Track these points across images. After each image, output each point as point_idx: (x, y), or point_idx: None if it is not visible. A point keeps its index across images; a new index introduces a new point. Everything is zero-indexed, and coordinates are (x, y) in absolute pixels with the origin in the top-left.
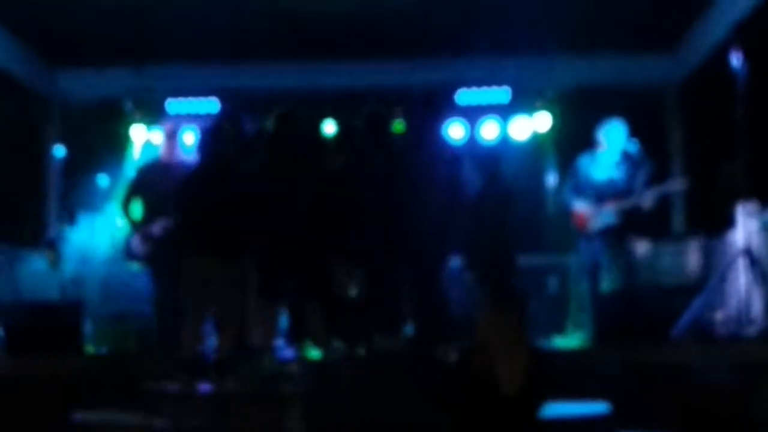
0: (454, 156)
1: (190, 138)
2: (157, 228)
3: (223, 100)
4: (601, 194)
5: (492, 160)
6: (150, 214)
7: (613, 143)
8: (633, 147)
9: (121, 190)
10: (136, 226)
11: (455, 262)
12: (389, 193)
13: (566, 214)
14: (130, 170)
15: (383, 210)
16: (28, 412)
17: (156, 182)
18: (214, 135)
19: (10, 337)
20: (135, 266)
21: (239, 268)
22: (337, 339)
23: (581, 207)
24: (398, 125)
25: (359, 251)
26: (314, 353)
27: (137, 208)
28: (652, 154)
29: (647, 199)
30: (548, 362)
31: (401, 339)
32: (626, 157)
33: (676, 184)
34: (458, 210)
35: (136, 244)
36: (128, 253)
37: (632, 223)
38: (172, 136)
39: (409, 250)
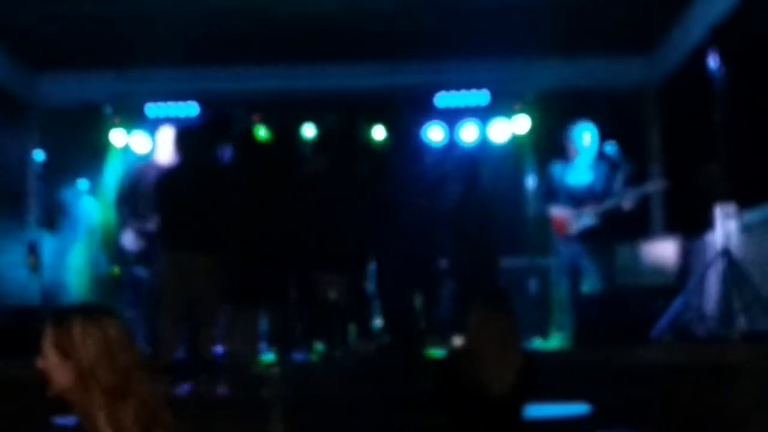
0: (433, 160)
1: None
2: (152, 225)
3: (202, 103)
4: (578, 198)
5: (471, 163)
6: (144, 213)
7: (583, 147)
8: (611, 149)
9: (115, 188)
10: (130, 223)
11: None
12: (369, 197)
13: (545, 217)
14: (110, 174)
15: (359, 214)
16: (8, 417)
17: (152, 182)
18: (190, 135)
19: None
20: (116, 270)
21: (221, 264)
22: (318, 343)
23: (559, 212)
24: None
25: (339, 255)
26: (295, 357)
27: (131, 206)
28: (630, 156)
29: (627, 201)
30: (539, 364)
31: (379, 343)
32: (603, 159)
33: (655, 185)
34: (438, 215)
35: (130, 240)
36: (120, 249)
37: (611, 224)
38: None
39: (380, 253)
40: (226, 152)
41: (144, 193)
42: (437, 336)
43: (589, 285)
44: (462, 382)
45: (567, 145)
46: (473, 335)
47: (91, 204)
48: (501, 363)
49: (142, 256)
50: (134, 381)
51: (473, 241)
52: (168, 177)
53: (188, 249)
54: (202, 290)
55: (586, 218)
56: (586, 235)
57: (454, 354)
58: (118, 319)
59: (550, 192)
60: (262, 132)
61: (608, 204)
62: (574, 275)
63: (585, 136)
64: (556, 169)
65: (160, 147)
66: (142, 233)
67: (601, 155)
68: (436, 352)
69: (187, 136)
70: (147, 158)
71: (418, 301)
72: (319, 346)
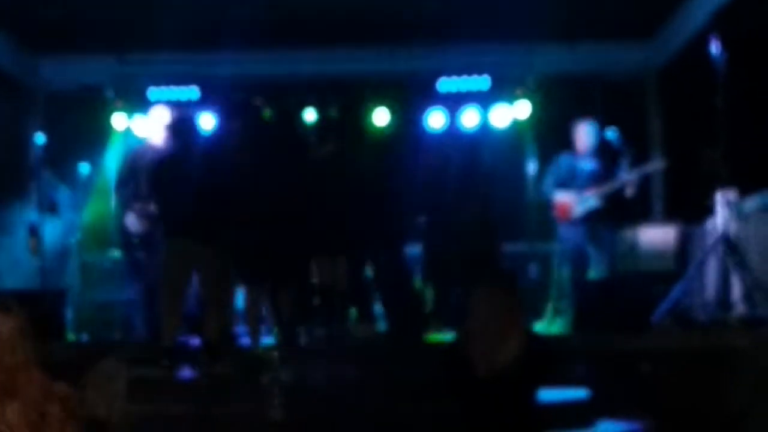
0: (435, 143)
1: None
2: (154, 207)
3: (203, 87)
4: (582, 184)
5: (472, 148)
6: (146, 194)
7: (588, 142)
8: (612, 135)
9: (116, 169)
10: (132, 205)
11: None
12: (371, 181)
13: (547, 203)
14: (111, 157)
15: (365, 198)
16: None
17: (149, 164)
18: (187, 121)
19: None
20: (115, 253)
21: (223, 248)
22: (318, 327)
23: (563, 196)
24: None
25: (340, 240)
26: (295, 341)
27: (132, 189)
28: (632, 142)
29: (629, 184)
30: (544, 345)
31: (379, 327)
32: (606, 145)
33: (655, 165)
34: (441, 195)
35: (132, 221)
36: (123, 231)
37: (613, 210)
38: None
39: (384, 237)
40: (232, 135)
41: (142, 175)
42: (447, 322)
43: (594, 267)
44: (460, 362)
45: (574, 139)
46: (471, 316)
47: (65, 193)
48: (490, 343)
49: (145, 239)
50: (21, 380)
51: (474, 226)
52: (165, 163)
53: (187, 235)
54: (202, 275)
55: (590, 200)
56: (589, 219)
57: (461, 337)
58: (12, 317)
59: (558, 180)
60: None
61: (610, 186)
62: (579, 260)
63: (591, 134)
64: (563, 158)
65: (155, 128)
66: (144, 215)
67: (603, 142)
68: (440, 337)
69: (184, 122)
70: (143, 141)
71: (420, 286)
72: (319, 331)
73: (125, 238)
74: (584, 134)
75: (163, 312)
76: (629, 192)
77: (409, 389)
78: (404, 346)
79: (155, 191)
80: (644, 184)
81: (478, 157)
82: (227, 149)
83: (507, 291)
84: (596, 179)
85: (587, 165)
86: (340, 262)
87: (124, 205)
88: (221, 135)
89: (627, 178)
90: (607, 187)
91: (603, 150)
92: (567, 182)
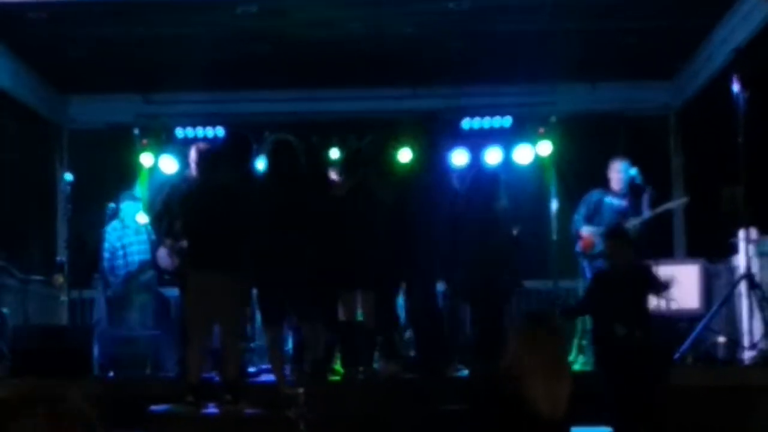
0: (458, 181)
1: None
2: (185, 243)
3: (228, 126)
4: (608, 220)
5: (493, 184)
6: (179, 230)
7: (621, 180)
8: (634, 172)
9: (153, 204)
10: (164, 242)
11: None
12: (393, 219)
13: (571, 239)
14: (138, 195)
15: (387, 235)
16: None
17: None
18: (209, 154)
19: (17, 360)
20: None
21: (243, 282)
22: (344, 363)
23: (588, 230)
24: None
25: (364, 276)
26: (320, 377)
27: (166, 224)
28: (653, 180)
29: (639, 222)
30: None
31: (405, 363)
32: (631, 185)
33: (679, 201)
34: (460, 234)
35: (163, 257)
36: (154, 266)
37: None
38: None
39: (409, 274)
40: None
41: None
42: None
43: None
44: (509, 409)
45: (611, 177)
46: (519, 359)
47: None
48: (550, 389)
49: (176, 275)
50: None
51: (496, 262)
52: (187, 197)
53: (207, 269)
54: (223, 311)
55: None
56: None
57: (498, 379)
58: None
59: (588, 215)
60: None
61: (632, 222)
62: None
63: (623, 172)
64: (595, 194)
65: (192, 165)
66: (176, 251)
67: (630, 183)
68: (464, 373)
69: (207, 156)
70: (180, 176)
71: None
72: (345, 367)
73: (156, 274)
74: (617, 172)
75: (187, 348)
76: (630, 226)
77: (433, 424)
78: (429, 381)
79: (182, 223)
80: (667, 221)
81: (499, 193)
82: (253, 183)
83: (554, 334)
84: (622, 217)
85: (615, 202)
86: (366, 298)
87: (158, 240)
88: (248, 169)
89: (648, 215)
90: (628, 224)
91: (630, 190)
92: (594, 218)
